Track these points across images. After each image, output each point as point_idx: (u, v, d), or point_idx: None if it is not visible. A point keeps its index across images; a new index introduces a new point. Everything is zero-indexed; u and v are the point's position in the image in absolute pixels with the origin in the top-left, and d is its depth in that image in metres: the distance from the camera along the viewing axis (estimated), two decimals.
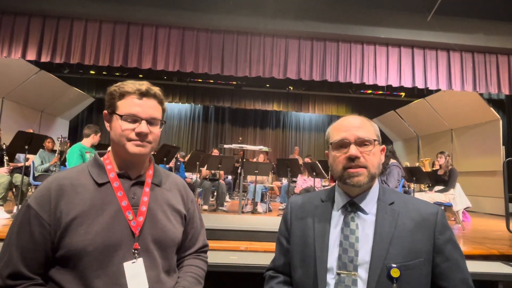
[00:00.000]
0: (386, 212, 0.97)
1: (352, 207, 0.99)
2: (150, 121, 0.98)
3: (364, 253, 0.92)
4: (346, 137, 0.97)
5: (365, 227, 0.96)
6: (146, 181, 1.02)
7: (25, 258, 0.87)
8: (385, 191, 1.03)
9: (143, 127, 0.96)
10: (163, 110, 1.05)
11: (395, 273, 0.87)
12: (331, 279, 0.92)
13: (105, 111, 1.02)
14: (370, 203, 0.99)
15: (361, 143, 0.97)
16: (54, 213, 0.89)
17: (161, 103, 1.03)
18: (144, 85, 0.99)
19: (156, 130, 1.00)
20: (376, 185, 1.02)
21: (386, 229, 0.93)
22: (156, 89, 1.01)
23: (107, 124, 1.03)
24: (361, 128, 0.98)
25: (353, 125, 0.99)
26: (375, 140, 0.98)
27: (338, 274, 0.91)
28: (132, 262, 0.91)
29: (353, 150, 0.95)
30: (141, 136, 0.96)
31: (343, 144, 0.98)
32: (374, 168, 0.97)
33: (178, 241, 1.05)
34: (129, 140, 0.96)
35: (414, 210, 0.97)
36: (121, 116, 0.96)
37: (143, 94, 0.98)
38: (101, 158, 1.02)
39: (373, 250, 0.91)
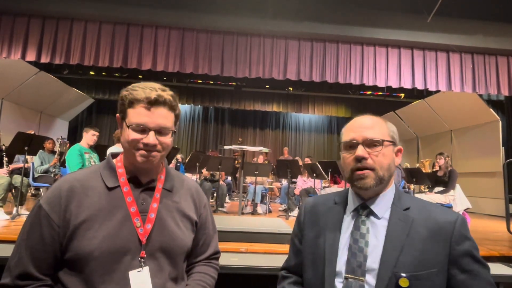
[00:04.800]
0: (400, 218, 0.93)
1: (364, 210, 0.96)
2: (159, 131, 0.93)
3: (373, 259, 0.89)
4: (354, 137, 0.95)
5: (376, 232, 0.92)
6: (157, 187, 0.99)
7: (35, 259, 0.87)
8: (401, 196, 0.98)
9: (150, 138, 0.91)
10: (176, 116, 0.98)
11: (404, 282, 0.83)
12: (339, 282, 0.90)
13: (118, 115, 0.99)
14: (383, 207, 0.95)
15: (369, 144, 0.94)
16: (63, 214, 0.88)
17: (172, 109, 0.96)
18: (154, 91, 0.92)
19: (166, 139, 0.94)
20: (391, 189, 0.99)
21: (398, 236, 0.89)
22: (167, 95, 0.94)
23: (120, 128, 0.99)
24: (370, 128, 0.96)
25: (362, 126, 0.97)
26: (385, 141, 0.95)
27: (346, 278, 0.89)
28: (138, 271, 0.89)
29: (360, 151, 0.93)
30: (148, 147, 0.92)
31: (351, 145, 0.96)
32: (383, 170, 0.93)
33: (187, 249, 1.02)
34: (137, 149, 0.92)
35: (430, 217, 0.92)
36: (128, 126, 0.92)
37: (151, 103, 0.92)
38: (114, 160, 1.00)
39: (382, 257, 0.88)
